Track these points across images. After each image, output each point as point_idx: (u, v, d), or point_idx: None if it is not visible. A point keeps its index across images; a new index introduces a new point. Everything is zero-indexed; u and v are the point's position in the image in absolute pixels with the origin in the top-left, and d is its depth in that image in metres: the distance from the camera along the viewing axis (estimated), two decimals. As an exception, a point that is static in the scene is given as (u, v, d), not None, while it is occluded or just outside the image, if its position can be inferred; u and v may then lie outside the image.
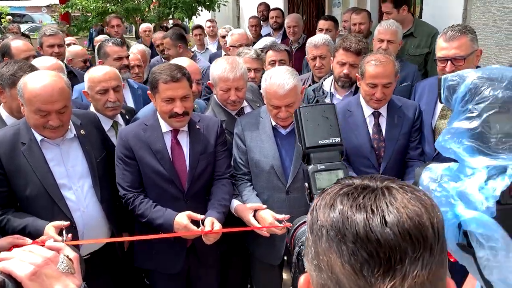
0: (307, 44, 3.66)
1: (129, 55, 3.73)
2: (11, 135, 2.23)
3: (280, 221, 2.28)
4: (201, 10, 10.93)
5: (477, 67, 2.63)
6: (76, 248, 1.01)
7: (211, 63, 3.47)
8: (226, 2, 11.12)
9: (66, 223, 2.10)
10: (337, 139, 1.20)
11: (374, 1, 5.70)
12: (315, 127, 1.20)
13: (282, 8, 7.50)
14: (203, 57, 5.66)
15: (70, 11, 11.16)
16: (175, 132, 2.47)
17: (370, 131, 2.74)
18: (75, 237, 2.21)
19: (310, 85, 3.53)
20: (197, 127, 2.51)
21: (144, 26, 7.34)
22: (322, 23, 4.81)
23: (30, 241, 1.97)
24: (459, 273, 1.13)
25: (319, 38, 3.62)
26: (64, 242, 1.98)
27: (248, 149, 2.58)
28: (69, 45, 5.20)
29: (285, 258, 2.77)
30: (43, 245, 0.94)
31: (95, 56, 3.97)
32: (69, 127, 2.33)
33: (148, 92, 2.50)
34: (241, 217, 2.44)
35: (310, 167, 1.17)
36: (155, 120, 2.47)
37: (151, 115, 2.54)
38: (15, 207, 2.26)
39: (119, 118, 2.97)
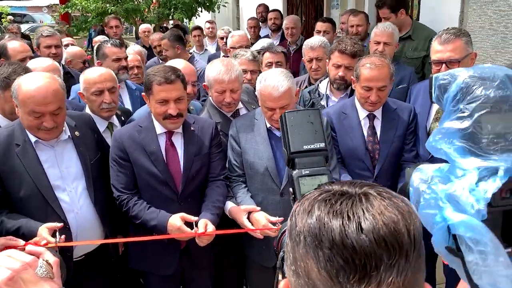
0: (303, 46, 3.65)
1: (127, 56, 3.73)
2: (5, 136, 2.24)
3: (274, 223, 2.28)
4: (201, 11, 10.94)
5: (472, 70, 2.63)
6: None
7: (210, 64, 3.47)
8: (226, 3, 11.13)
9: (60, 224, 2.11)
10: (322, 144, 1.20)
11: (372, 3, 5.70)
12: (300, 132, 1.20)
13: (281, 10, 7.50)
14: (202, 58, 5.67)
15: (70, 12, 11.17)
16: (169, 133, 2.47)
17: (365, 133, 2.74)
18: (69, 238, 2.21)
19: (306, 87, 3.53)
20: (192, 128, 2.51)
21: (143, 26, 7.35)
22: (319, 25, 4.81)
23: (23, 242, 1.96)
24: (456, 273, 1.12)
25: (315, 40, 3.61)
26: (57, 244, 2.01)
27: (243, 151, 2.58)
28: (67, 46, 5.22)
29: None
30: (37, 246, 0.94)
31: (94, 57, 3.97)
32: (64, 128, 2.33)
33: (143, 93, 2.51)
34: (235, 219, 2.44)
35: (295, 172, 1.17)
36: (149, 122, 2.48)
37: (146, 116, 2.54)
38: (9, 208, 2.25)
39: (115, 119, 2.97)
